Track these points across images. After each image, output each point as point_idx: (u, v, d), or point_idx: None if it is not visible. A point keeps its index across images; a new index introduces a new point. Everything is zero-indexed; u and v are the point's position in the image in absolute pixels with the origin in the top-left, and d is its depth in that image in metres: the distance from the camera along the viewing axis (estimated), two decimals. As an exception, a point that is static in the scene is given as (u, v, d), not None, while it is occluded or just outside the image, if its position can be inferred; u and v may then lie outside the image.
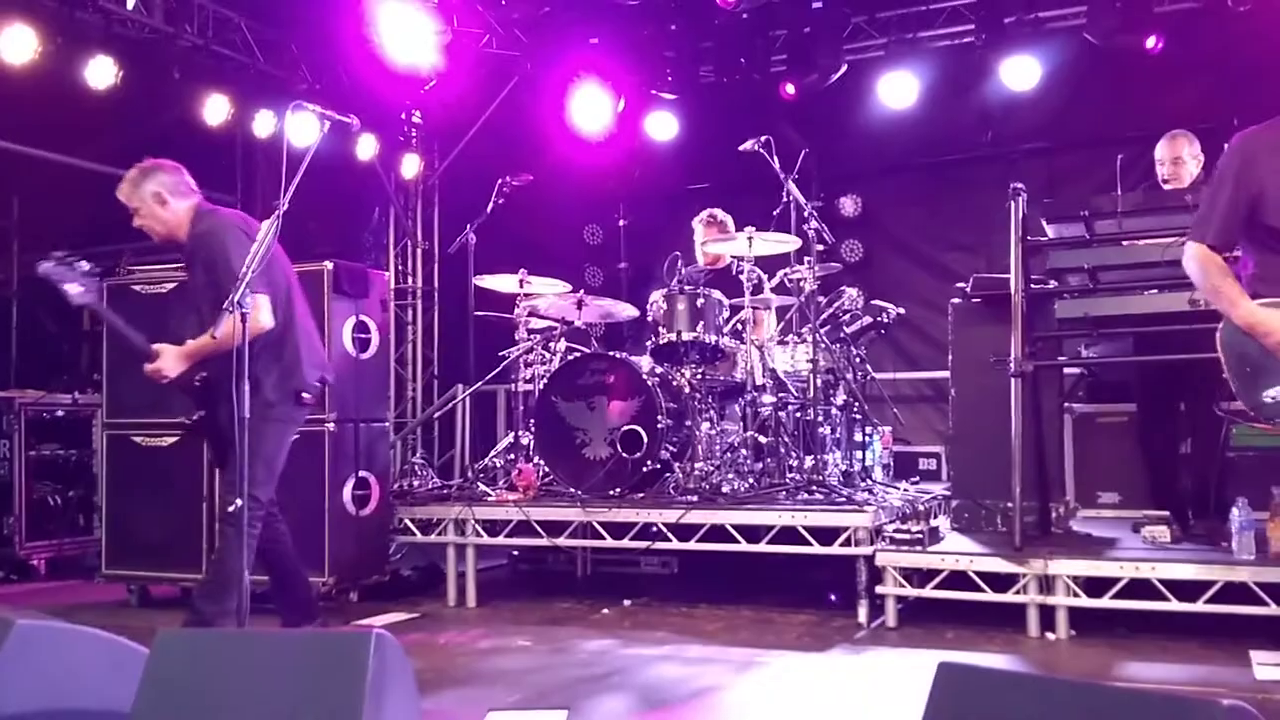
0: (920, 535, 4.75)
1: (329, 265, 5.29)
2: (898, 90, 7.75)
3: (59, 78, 6.75)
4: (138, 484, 5.53)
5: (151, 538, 5.47)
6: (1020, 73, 7.35)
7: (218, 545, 4.18)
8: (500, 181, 6.69)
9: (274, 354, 4.10)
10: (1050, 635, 4.46)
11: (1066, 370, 5.88)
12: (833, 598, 5.21)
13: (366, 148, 8.49)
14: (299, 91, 7.90)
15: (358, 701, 2.32)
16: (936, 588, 4.66)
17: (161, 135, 8.01)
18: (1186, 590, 4.23)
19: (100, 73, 6.83)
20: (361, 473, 5.40)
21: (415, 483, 6.37)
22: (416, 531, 5.67)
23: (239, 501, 3.60)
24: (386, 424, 5.76)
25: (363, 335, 5.46)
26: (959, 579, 4.64)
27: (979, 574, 4.59)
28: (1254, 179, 3.43)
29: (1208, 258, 3.49)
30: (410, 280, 9.67)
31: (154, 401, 5.51)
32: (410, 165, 9.29)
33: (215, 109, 7.60)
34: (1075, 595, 4.44)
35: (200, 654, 2.49)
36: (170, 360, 4.06)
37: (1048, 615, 4.49)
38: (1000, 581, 4.56)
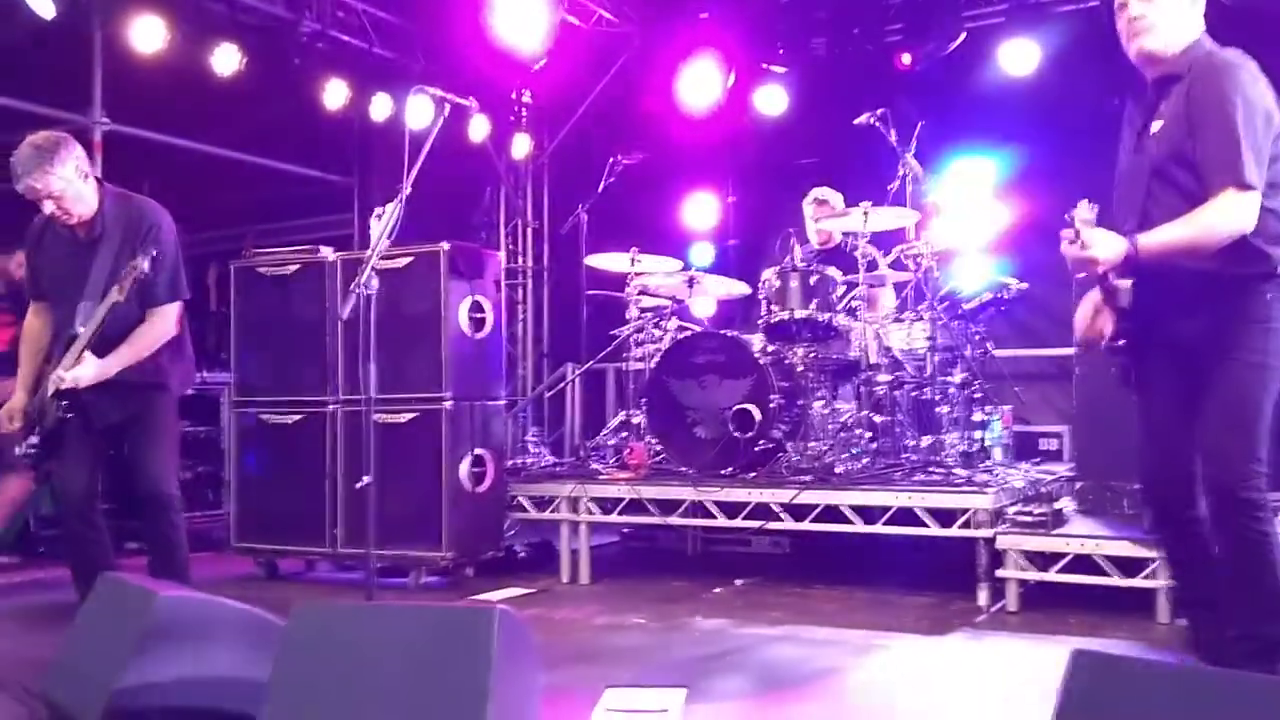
0: (1044, 518, 4.62)
1: (445, 246, 5.36)
2: (1019, 58, 7.49)
3: (186, 66, 6.99)
4: (265, 460, 5.72)
5: (278, 512, 5.66)
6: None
7: (165, 532, 3.98)
8: (612, 160, 6.72)
9: (178, 350, 4.07)
10: (1182, 622, 4.29)
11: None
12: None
13: (478, 129, 8.59)
14: (414, 74, 8.03)
15: (484, 674, 2.36)
16: (1061, 572, 4.53)
17: (282, 120, 8.26)
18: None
19: (225, 60, 7.05)
20: (477, 450, 5.48)
21: (529, 460, 6.46)
22: (531, 508, 5.74)
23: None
24: (501, 402, 5.84)
25: (478, 315, 5.53)
26: (1084, 563, 4.50)
27: (1106, 558, 4.44)
28: None
29: None
30: (520, 259, 9.78)
31: (280, 381, 5.70)
32: (520, 145, 9.38)
33: (334, 93, 7.78)
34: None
35: (334, 626, 2.56)
36: (90, 369, 3.76)
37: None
38: (1129, 566, 4.41)
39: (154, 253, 3.72)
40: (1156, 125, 3.01)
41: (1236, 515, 2.96)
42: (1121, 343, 3.13)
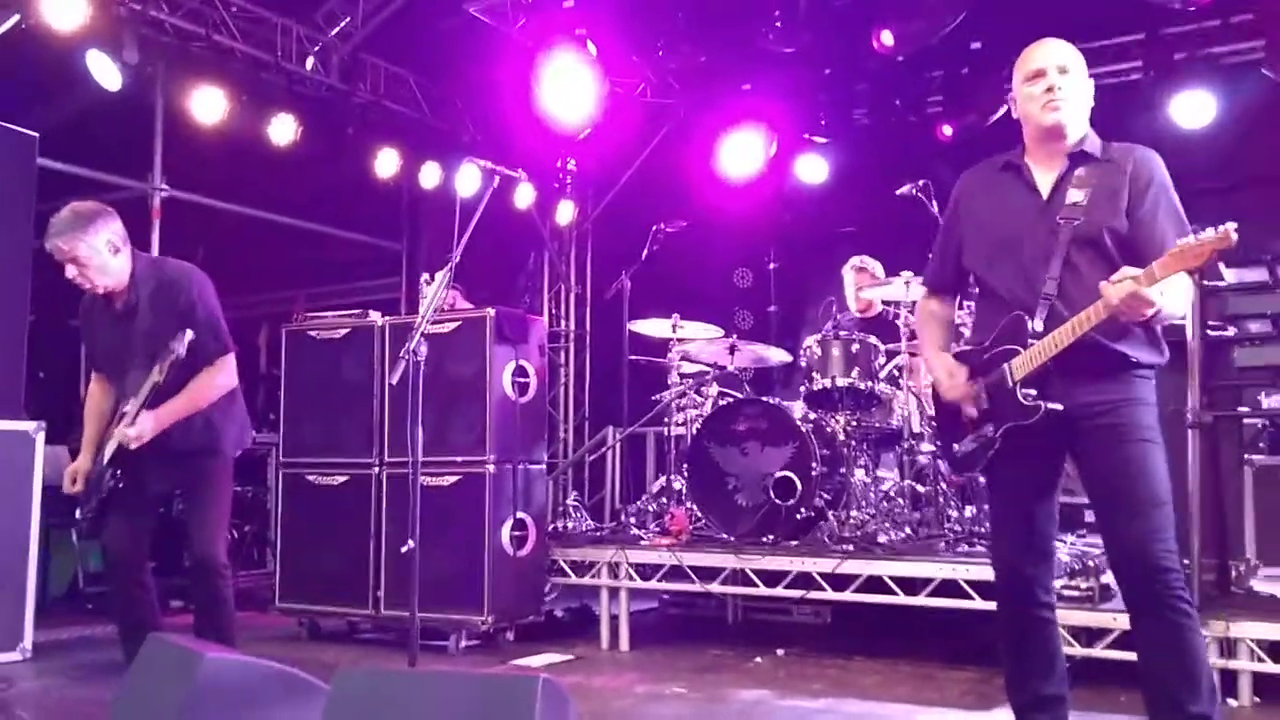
0: (1090, 592, 4.56)
1: (491, 312, 5.45)
2: (1059, 129, 7.53)
3: (244, 135, 7.20)
4: (310, 521, 5.78)
5: (322, 573, 5.70)
6: (1193, 110, 7.05)
7: (214, 596, 3.95)
8: (655, 228, 6.80)
9: (227, 409, 4.07)
10: (1232, 702, 4.21)
11: (1247, 421, 5.57)
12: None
13: (524, 196, 8.72)
14: (463, 144, 8.21)
15: (525, 745, 2.37)
16: (1107, 648, 4.45)
17: (335, 186, 8.47)
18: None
19: (282, 130, 7.25)
20: (519, 514, 5.51)
21: (569, 524, 6.47)
22: (571, 573, 5.75)
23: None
24: (543, 465, 5.87)
25: (522, 379, 5.60)
26: (1132, 639, 4.41)
27: (1154, 635, 4.36)
28: (958, 220, 3.32)
29: (924, 301, 3.47)
30: (563, 324, 9.86)
31: (327, 442, 5.78)
32: (565, 212, 9.51)
33: (386, 162, 7.97)
34: (1259, 660, 4.18)
35: (377, 692, 2.58)
36: (149, 422, 3.81)
37: (1229, 680, 4.22)
38: (1177, 643, 4.32)
39: (191, 336, 3.75)
40: (1077, 196, 3.03)
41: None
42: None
